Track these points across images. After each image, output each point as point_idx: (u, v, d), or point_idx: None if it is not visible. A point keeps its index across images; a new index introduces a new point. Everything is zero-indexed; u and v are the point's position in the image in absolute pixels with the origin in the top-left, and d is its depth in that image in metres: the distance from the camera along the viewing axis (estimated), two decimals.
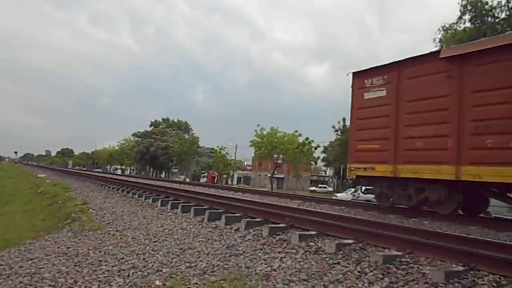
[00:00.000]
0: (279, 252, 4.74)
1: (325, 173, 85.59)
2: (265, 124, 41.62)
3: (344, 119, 41.15)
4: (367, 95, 10.23)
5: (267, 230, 5.63)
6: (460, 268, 3.73)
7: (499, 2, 23.30)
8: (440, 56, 8.46)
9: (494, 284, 3.44)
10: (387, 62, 9.93)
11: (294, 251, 4.73)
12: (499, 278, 3.54)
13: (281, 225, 5.93)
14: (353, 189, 32.24)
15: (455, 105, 8.27)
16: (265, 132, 41.87)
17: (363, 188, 27.55)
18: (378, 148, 9.83)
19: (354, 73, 10.74)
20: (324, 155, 62.18)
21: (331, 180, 73.74)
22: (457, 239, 4.53)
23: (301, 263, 4.26)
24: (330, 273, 3.91)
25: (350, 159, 10.68)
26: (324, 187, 65.64)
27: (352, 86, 10.75)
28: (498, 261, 3.71)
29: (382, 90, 9.88)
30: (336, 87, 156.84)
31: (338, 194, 33.39)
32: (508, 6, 23.12)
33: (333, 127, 43.07)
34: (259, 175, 78.13)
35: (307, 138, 41.46)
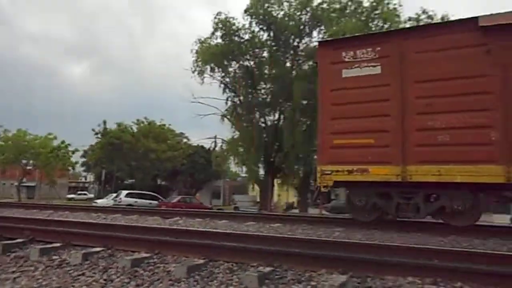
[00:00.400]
0: (13, 272, 4.17)
1: (86, 179, 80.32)
2: (10, 126, 36.35)
3: (105, 122, 40.03)
4: (347, 73, 7.69)
5: None
6: (201, 261, 4.03)
7: (243, 25, 27.03)
8: (484, 25, 6.70)
9: (228, 271, 3.86)
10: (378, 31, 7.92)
11: (32, 268, 4.28)
12: (232, 265, 4.00)
13: (19, 240, 5.18)
14: (114, 195, 31.40)
15: (497, 87, 6.61)
16: (10, 135, 36.38)
17: (125, 193, 27.20)
18: (372, 144, 7.39)
19: (322, 43, 8.38)
20: (84, 159, 58.41)
21: (92, 186, 69.65)
22: (198, 234, 4.85)
23: (40, 280, 3.90)
24: (73, 286, 3.71)
25: (322, 159, 7.81)
26: (84, 194, 61.45)
27: (320, 60, 8.12)
28: (231, 251, 4.19)
29: (374, 66, 7.52)
30: (96, 88, 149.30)
31: (99, 201, 31.72)
32: (250, 30, 27.09)
33: (93, 130, 41.15)
34: (4, 184, 66.58)
35: (63, 142, 38.70)
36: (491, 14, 6.71)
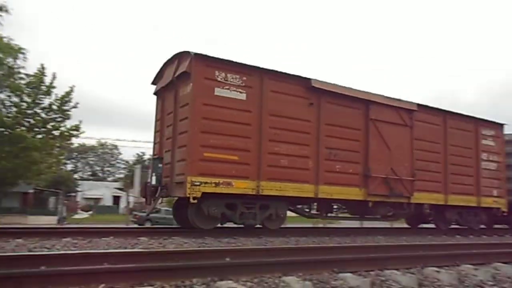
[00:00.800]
0: None
1: None
2: None
3: None
4: (219, 92, 8.33)
5: None
6: None
7: None
8: (313, 85, 9.34)
9: None
10: (245, 62, 8.71)
11: None
12: None
13: None
14: None
15: (314, 130, 9.42)
16: None
17: None
18: (236, 160, 8.32)
19: (197, 55, 8.25)
20: None
21: None
22: None
23: None
24: None
25: (192, 170, 7.87)
26: None
27: (192, 71, 8.20)
28: None
29: (241, 92, 8.57)
30: None
31: None
32: None
33: None
34: None
35: None
36: (320, 80, 9.56)
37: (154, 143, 10.05)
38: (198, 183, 7.86)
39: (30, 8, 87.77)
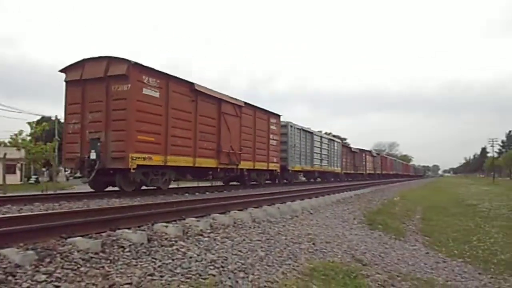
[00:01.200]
0: None
1: None
2: None
3: None
4: (145, 91, 11.42)
5: None
6: None
7: None
8: (196, 88, 13.37)
9: None
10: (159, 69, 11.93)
11: None
12: None
13: None
14: None
15: (194, 119, 13.49)
16: None
17: None
18: (153, 141, 11.70)
19: (134, 63, 11.03)
20: None
21: None
22: None
23: None
24: None
25: (132, 149, 10.91)
26: None
27: (130, 75, 10.93)
28: None
29: (156, 91, 11.81)
30: None
31: None
32: None
33: None
34: None
35: None
36: (199, 84, 13.53)
37: (69, 123, 11.83)
38: (135, 158, 10.91)
39: None
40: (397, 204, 17.90)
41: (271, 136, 19.67)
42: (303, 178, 27.66)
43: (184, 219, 6.56)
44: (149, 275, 4.09)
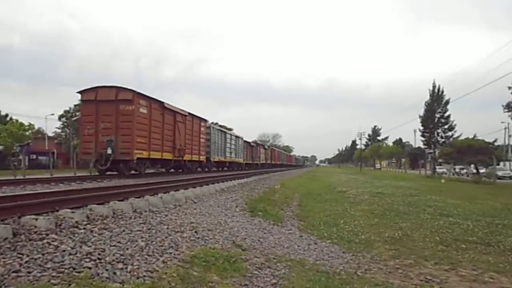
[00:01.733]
0: None
1: None
2: None
3: None
4: (141, 109, 17.81)
5: None
6: None
7: None
8: (165, 106, 20.05)
9: None
10: (146, 94, 18.35)
11: None
12: None
13: None
14: None
15: (161, 127, 20.02)
16: None
17: None
18: (144, 142, 18.10)
19: (137, 93, 17.47)
20: None
21: None
22: None
23: None
24: None
25: (134, 147, 17.16)
26: None
27: (134, 100, 17.20)
28: None
29: (145, 109, 18.18)
30: None
31: None
32: None
33: None
34: None
35: None
36: (166, 102, 19.97)
37: (84, 128, 17.54)
38: (137, 153, 17.21)
39: None
40: (277, 192, 19.01)
41: (201, 136, 26.66)
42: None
43: (58, 210, 6.31)
44: (13, 272, 3.91)
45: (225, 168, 35.56)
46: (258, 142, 65.01)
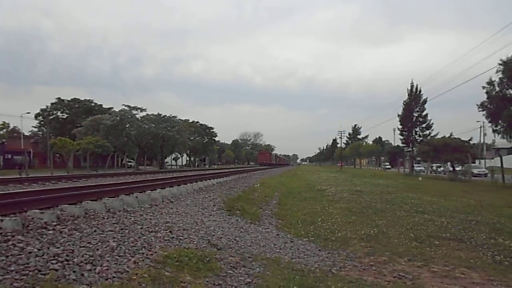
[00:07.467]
0: None
1: None
2: None
3: None
4: None
5: None
6: None
7: None
8: None
9: None
10: None
11: None
12: None
13: None
14: None
15: None
16: None
17: None
18: None
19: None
20: None
21: None
22: None
23: None
24: None
25: None
26: None
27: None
28: None
29: None
30: None
31: None
32: None
33: None
34: None
35: None
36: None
37: None
38: None
39: None
40: (256, 191, 18.47)
41: None
42: None
43: (26, 211, 6.12)
44: None
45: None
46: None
